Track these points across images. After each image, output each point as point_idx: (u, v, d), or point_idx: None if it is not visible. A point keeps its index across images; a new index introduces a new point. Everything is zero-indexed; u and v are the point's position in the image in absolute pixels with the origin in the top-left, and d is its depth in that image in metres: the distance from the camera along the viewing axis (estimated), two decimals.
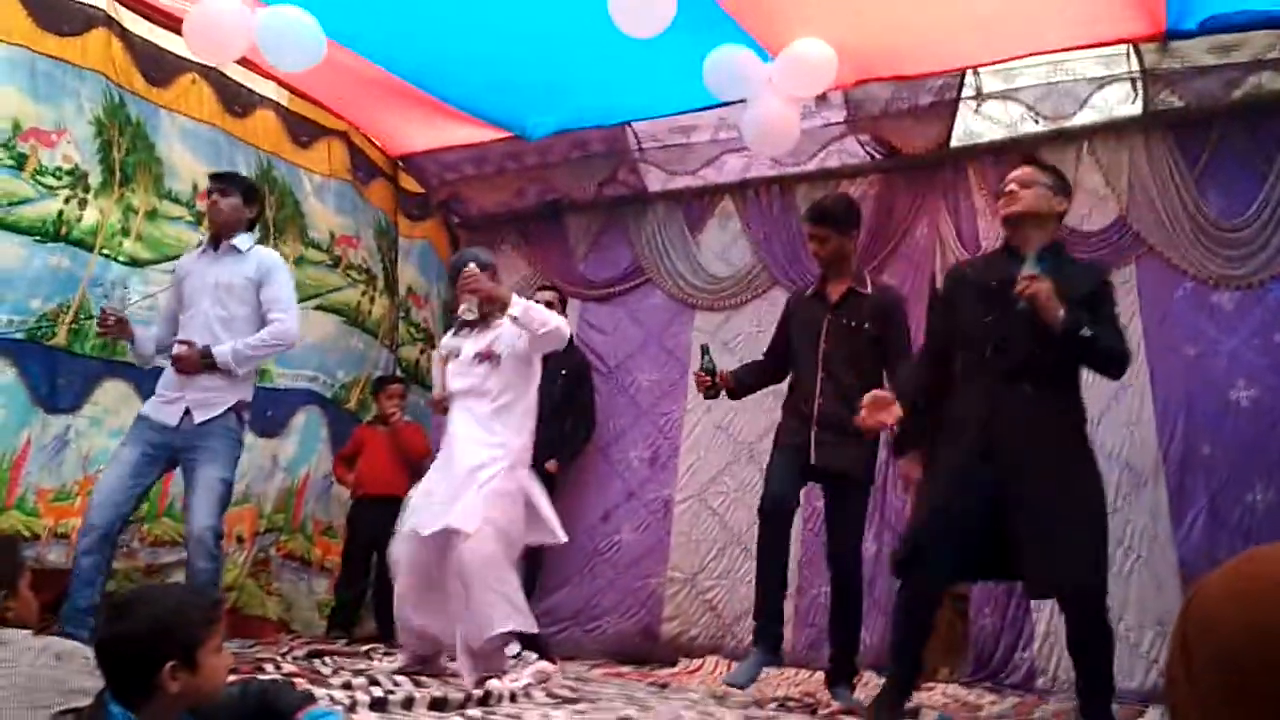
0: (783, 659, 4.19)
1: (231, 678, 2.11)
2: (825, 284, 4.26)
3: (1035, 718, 3.69)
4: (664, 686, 4.31)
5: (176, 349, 4.11)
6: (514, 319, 3.93)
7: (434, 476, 4.08)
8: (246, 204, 4.32)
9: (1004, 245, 3.50)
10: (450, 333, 4.37)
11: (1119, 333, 3.42)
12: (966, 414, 3.39)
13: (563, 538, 4.10)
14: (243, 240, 4.26)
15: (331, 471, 5.73)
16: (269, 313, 4.16)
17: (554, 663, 4.07)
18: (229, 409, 4.09)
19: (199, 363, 4.05)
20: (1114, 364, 3.39)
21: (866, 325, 4.09)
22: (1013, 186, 3.39)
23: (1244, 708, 0.82)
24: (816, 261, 4.38)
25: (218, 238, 4.28)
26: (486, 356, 4.07)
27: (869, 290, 4.18)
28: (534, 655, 4.07)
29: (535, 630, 3.99)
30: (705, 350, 4.42)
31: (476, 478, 3.89)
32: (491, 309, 4.05)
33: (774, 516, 4.08)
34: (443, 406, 4.21)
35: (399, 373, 6.20)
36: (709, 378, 4.28)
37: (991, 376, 3.34)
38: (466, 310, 4.09)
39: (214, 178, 4.44)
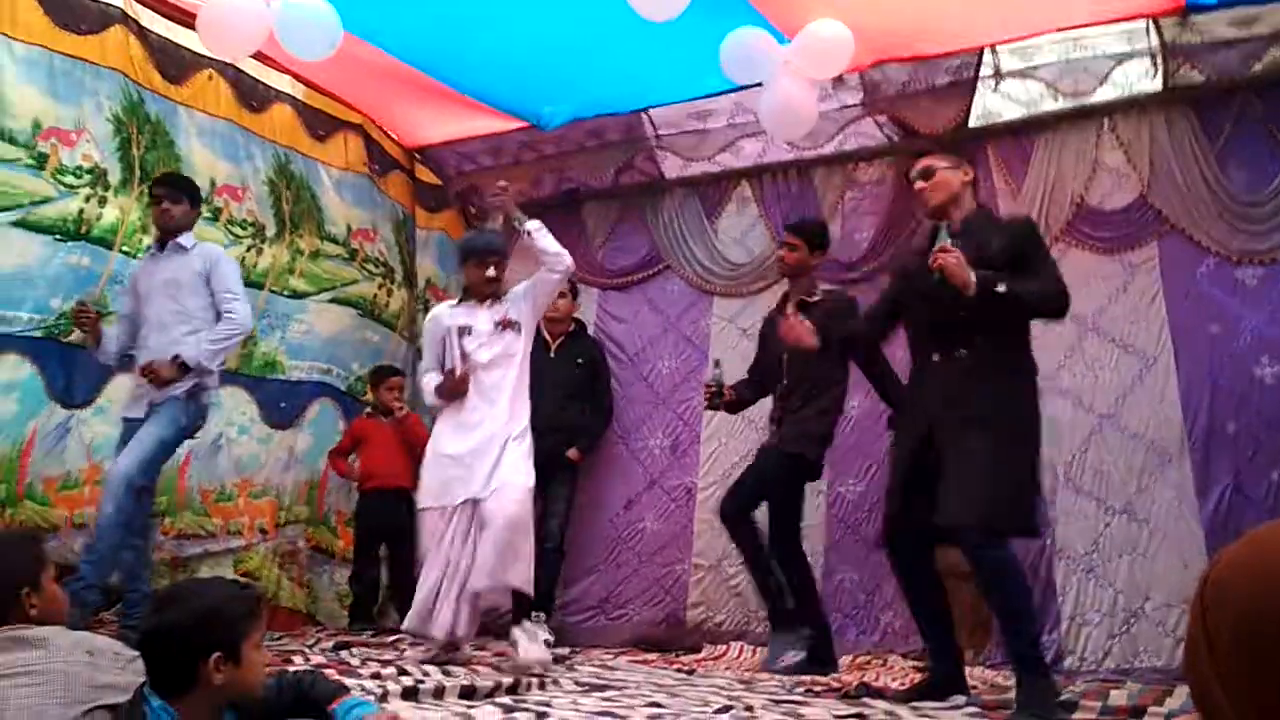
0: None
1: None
2: (786, 301, 4.60)
3: (1064, 698, 3.67)
4: (691, 673, 4.32)
5: (144, 366, 4.24)
6: (529, 233, 4.30)
7: (457, 442, 4.21)
8: (194, 207, 4.45)
9: (933, 227, 3.59)
10: (449, 305, 4.52)
11: (1051, 274, 3.42)
12: (912, 390, 3.66)
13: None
14: (186, 239, 4.40)
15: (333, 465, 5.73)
16: (221, 305, 4.32)
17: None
18: (185, 390, 4.23)
19: (175, 371, 4.20)
20: (1046, 306, 3.46)
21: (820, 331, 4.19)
22: (920, 185, 3.55)
23: (1264, 678, 0.82)
24: (780, 269, 4.78)
25: (164, 240, 4.39)
26: (507, 325, 4.31)
27: (817, 297, 4.50)
28: (532, 624, 4.18)
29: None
30: (717, 364, 4.68)
31: (512, 440, 4.18)
32: (507, 224, 4.59)
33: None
34: (465, 381, 4.23)
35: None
36: (715, 390, 4.56)
37: (929, 349, 3.50)
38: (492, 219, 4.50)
39: (160, 183, 4.49)
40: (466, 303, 4.41)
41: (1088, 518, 4.61)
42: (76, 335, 4.43)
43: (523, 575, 4.09)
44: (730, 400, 4.64)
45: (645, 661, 4.55)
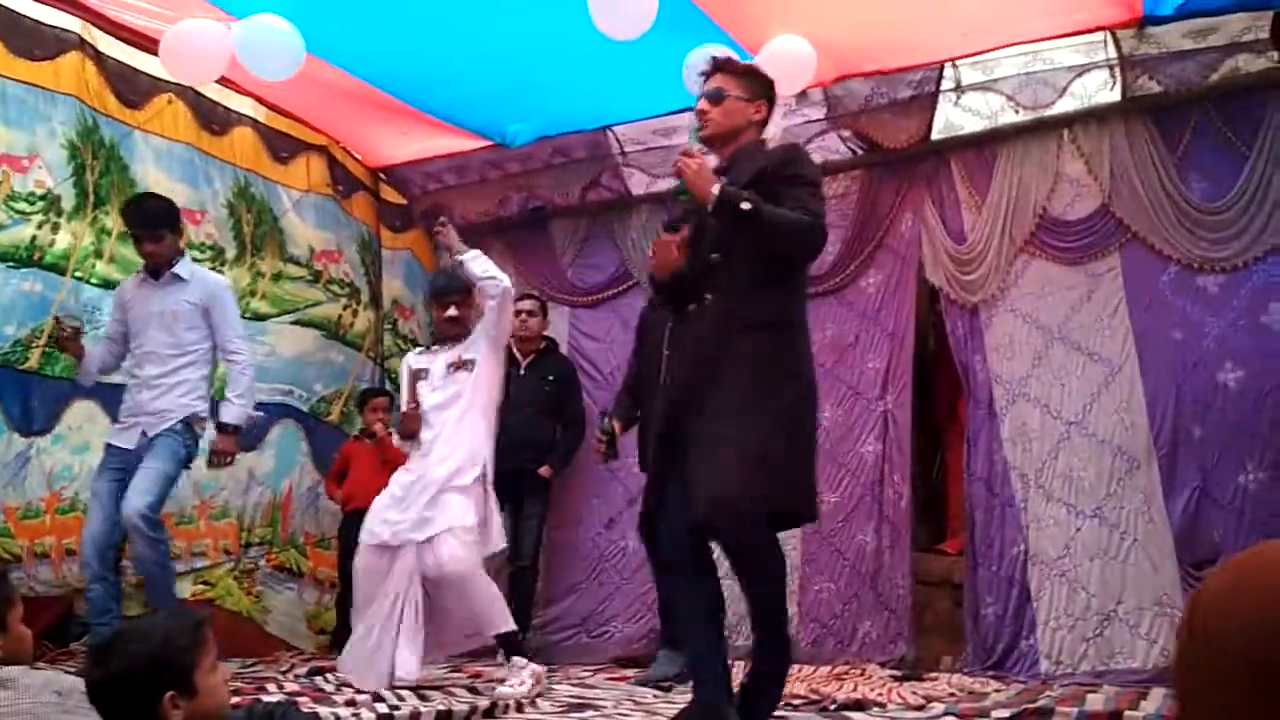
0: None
1: (235, 699, 2.09)
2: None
3: (1040, 704, 3.69)
4: (669, 689, 4.30)
5: (216, 447, 4.41)
6: (462, 264, 4.30)
7: (404, 483, 4.23)
8: (174, 232, 4.41)
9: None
10: (416, 352, 4.65)
11: (809, 206, 2.90)
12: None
13: (499, 547, 4.37)
14: (184, 267, 4.38)
15: (320, 484, 5.73)
16: (224, 347, 4.38)
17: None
18: (179, 420, 4.24)
19: (235, 443, 4.41)
20: (793, 236, 2.88)
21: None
22: (701, 107, 3.10)
23: (1256, 699, 0.83)
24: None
25: (157, 269, 4.37)
26: (460, 365, 4.33)
27: None
28: (521, 660, 4.09)
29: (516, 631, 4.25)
30: (604, 414, 4.81)
31: (456, 482, 4.15)
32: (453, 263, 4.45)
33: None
34: (414, 420, 4.31)
35: (386, 384, 6.17)
36: (607, 441, 4.58)
37: (686, 300, 3.05)
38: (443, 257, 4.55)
39: (132, 224, 4.43)
40: (433, 346, 4.55)
41: (1059, 523, 4.65)
42: (34, 361, 4.38)
43: (500, 617, 4.10)
44: (622, 432, 4.58)
45: (624, 679, 4.53)
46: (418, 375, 4.42)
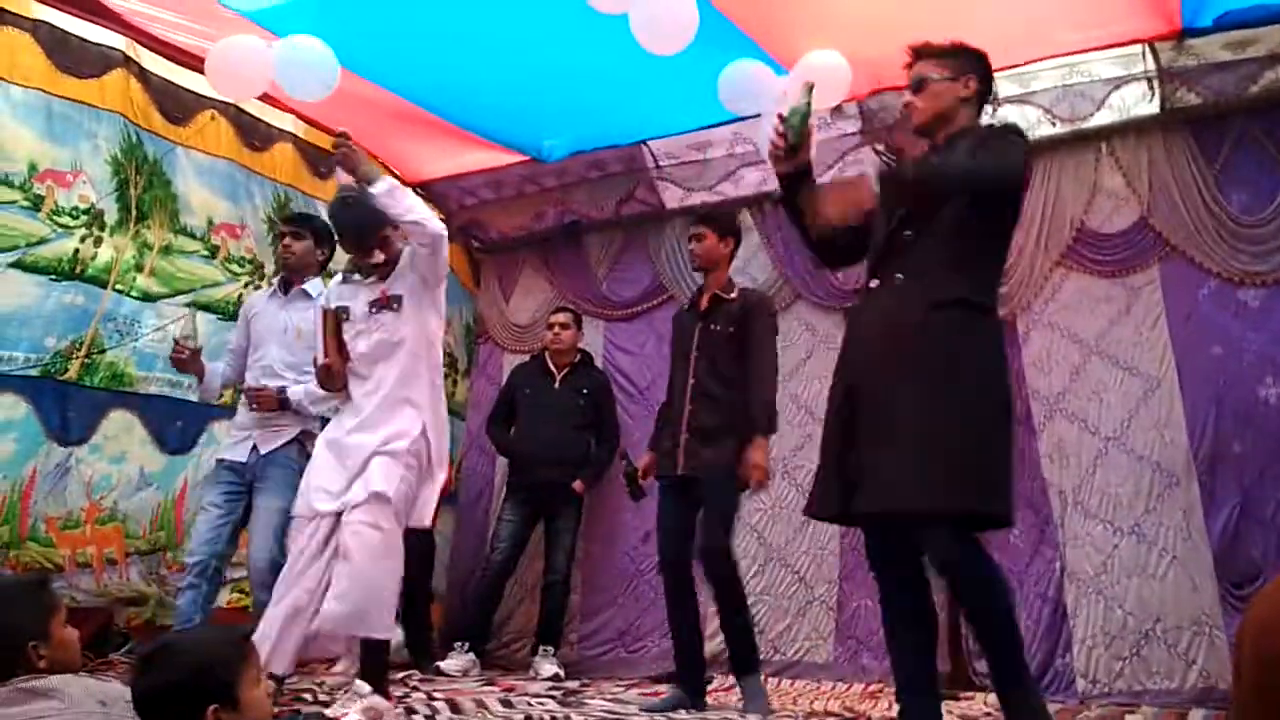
0: (705, 705, 4.13)
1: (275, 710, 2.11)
2: (700, 295, 4.33)
3: None
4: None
5: (250, 387, 4.22)
6: (376, 195, 3.40)
7: (326, 447, 3.59)
8: (319, 246, 4.38)
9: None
10: (334, 282, 3.80)
11: (994, 155, 2.72)
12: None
13: (426, 523, 3.63)
14: (313, 285, 4.33)
15: None
16: None
17: (389, 699, 3.44)
18: (292, 439, 4.18)
19: (275, 402, 4.15)
20: (970, 176, 2.70)
21: (732, 329, 4.11)
22: (907, 99, 3.00)
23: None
24: (693, 262, 4.42)
25: (288, 281, 4.37)
26: (385, 302, 3.58)
27: (734, 296, 4.22)
28: (367, 688, 3.29)
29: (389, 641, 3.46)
30: (623, 458, 4.66)
31: (381, 451, 3.44)
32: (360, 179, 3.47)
33: (674, 567, 4.10)
34: (334, 371, 3.61)
35: None
36: (631, 476, 4.43)
37: (870, 278, 2.88)
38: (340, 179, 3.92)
39: (286, 220, 4.54)
40: (351, 279, 3.71)
41: (1096, 540, 4.60)
42: (73, 372, 4.44)
43: (382, 623, 3.33)
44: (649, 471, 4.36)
45: (656, 694, 4.52)
46: (343, 314, 3.65)
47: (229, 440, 4.35)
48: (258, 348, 4.32)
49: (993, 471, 2.63)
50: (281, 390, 4.16)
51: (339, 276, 3.79)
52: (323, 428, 3.92)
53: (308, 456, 3.95)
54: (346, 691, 3.44)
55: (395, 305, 3.57)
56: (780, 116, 2.93)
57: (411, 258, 3.59)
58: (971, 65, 2.95)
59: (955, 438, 2.56)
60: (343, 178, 3.75)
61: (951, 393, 2.60)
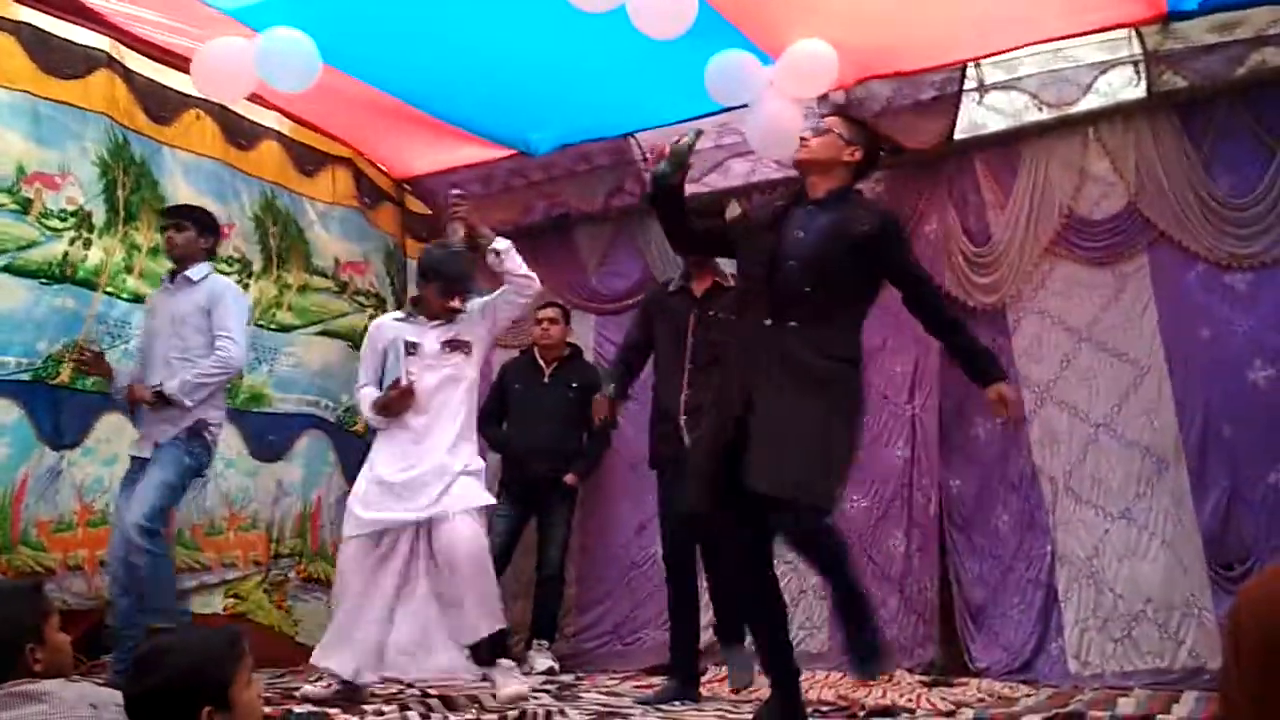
0: (699, 696, 4.19)
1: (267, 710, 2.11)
2: (689, 280, 4.39)
3: (1071, 708, 3.67)
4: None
5: (126, 387, 4.25)
6: (496, 253, 4.08)
7: (395, 470, 3.97)
8: (202, 234, 4.39)
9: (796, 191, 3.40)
10: (394, 318, 4.36)
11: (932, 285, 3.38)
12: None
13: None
14: (197, 270, 4.34)
15: (348, 494, 5.73)
16: (215, 339, 4.22)
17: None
18: (185, 428, 4.16)
19: (150, 399, 4.15)
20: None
21: (735, 316, 4.09)
22: (804, 136, 3.38)
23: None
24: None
25: (175, 271, 4.38)
26: (456, 346, 4.11)
27: (732, 284, 4.18)
28: (508, 662, 4.04)
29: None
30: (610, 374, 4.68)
31: (471, 468, 3.99)
32: (472, 243, 4.22)
33: (677, 553, 4.17)
34: (410, 396, 4.02)
35: None
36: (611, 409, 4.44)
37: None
38: (453, 233, 4.35)
39: (165, 213, 4.53)
40: (415, 318, 4.22)
41: (1087, 525, 4.62)
42: (65, 376, 4.44)
43: (497, 618, 3.93)
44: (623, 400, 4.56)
45: (650, 686, 4.52)
46: (410, 348, 4.11)
47: (136, 438, 4.32)
48: (153, 342, 4.32)
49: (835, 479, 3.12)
50: (155, 388, 4.15)
51: (399, 313, 4.41)
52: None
53: (204, 444, 4.19)
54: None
55: (467, 350, 4.12)
56: (666, 149, 3.30)
57: (484, 308, 4.15)
58: (865, 141, 3.34)
59: (828, 453, 3.03)
60: (455, 231, 4.48)
61: (833, 422, 3.06)
